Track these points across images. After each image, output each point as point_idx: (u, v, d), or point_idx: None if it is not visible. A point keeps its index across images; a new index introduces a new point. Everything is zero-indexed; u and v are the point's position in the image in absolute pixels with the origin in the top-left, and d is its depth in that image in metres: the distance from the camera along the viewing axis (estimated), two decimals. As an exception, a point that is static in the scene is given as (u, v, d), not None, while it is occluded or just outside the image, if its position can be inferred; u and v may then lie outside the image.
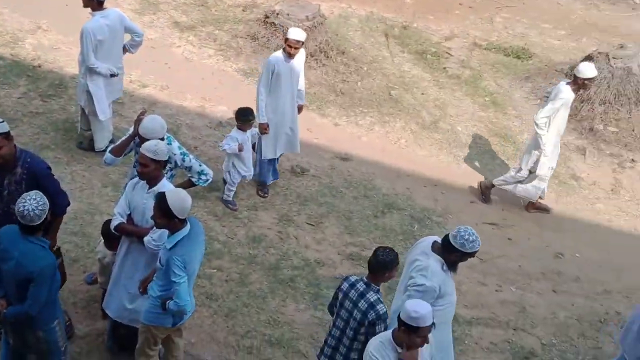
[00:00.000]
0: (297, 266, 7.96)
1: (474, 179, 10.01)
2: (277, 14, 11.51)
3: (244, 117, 8.35)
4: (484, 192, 9.62)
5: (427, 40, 12.56)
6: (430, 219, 9.09)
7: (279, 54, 8.44)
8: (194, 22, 11.92)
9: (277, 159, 8.97)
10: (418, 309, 4.96)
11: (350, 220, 8.79)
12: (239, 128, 8.38)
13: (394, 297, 6.25)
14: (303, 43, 8.39)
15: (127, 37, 8.65)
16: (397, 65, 11.84)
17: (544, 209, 9.64)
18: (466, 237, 5.60)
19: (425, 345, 5.11)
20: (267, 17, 11.65)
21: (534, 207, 9.61)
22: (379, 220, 8.87)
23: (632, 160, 10.67)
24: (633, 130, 10.98)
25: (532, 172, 9.24)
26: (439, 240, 5.83)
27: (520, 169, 9.29)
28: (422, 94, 11.34)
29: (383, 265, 5.54)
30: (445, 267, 5.74)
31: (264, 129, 8.51)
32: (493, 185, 9.58)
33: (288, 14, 11.40)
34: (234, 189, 8.58)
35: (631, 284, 8.66)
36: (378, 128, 10.59)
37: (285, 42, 8.36)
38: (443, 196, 9.57)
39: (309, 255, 8.14)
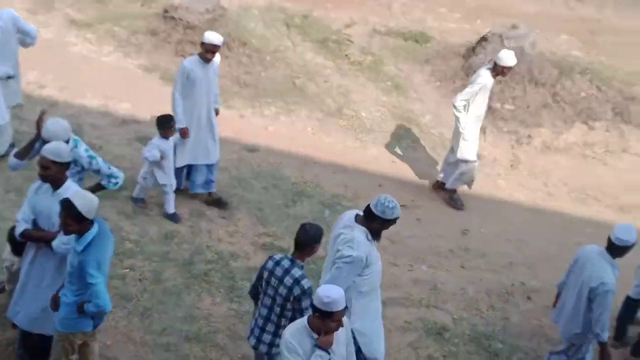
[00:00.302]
0: (211, 260, 7.95)
1: (381, 162, 10.23)
2: (177, 7, 11.41)
3: (165, 124, 8.14)
4: (452, 199, 9.65)
5: (328, 28, 12.68)
6: (341, 204, 9.22)
7: (195, 58, 8.25)
8: (90, 20, 11.67)
9: (197, 169, 8.63)
10: (330, 294, 5.00)
11: (262, 211, 8.84)
12: (162, 136, 8.18)
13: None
14: (220, 47, 8.23)
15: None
16: (299, 55, 11.93)
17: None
18: (386, 204, 5.80)
19: (341, 328, 5.18)
20: (166, 11, 11.53)
21: (439, 187, 9.86)
22: (290, 209, 8.96)
23: (529, 136, 11.09)
24: (528, 107, 11.41)
25: (459, 158, 9.34)
26: (361, 212, 5.98)
27: (467, 161, 9.39)
28: (326, 81, 11.47)
29: (313, 238, 5.67)
30: (369, 237, 5.90)
31: (184, 133, 8.31)
32: (454, 190, 9.63)
33: (187, 8, 11.32)
34: (146, 190, 8.47)
35: (533, 255, 9.03)
36: (284, 118, 10.67)
37: (202, 46, 8.16)
38: (352, 181, 9.73)
39: (222, 248, 8.15)
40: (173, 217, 8.41)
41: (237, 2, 12.82)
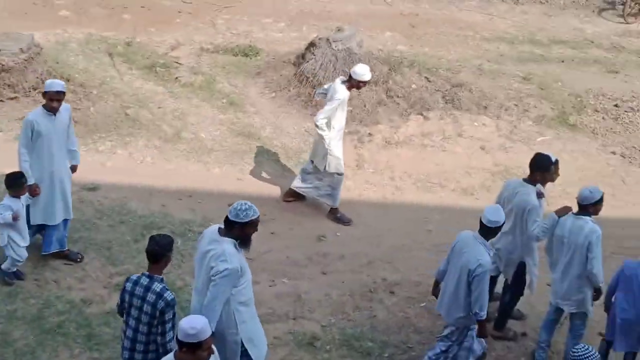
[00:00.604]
0: (62, 311, 7.53)
1: (227, 181, 10.09)
2: (-13, 51, 10.76)
3: (15, 182, 7.58)
4: (338, 218, 9.60)
5: (154, 53, 12.41)
6: (192, 230, 9.00)
7: (39, 110, 7.77)
8: None
9: (54, 227, 8.08)
10: (194, 324, 4.95)
11: (111, 250, 8.48)
12: (12, 195, 7.59)
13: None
14: (64, 93, 7.79)
15: None
16: (128, 84, 11.57)
17: (299, 198, 9.88)
18: (238, 207, 5.90)
19: (212, 356, 5.11)
20: (-24, 56, 10.84)
21: (289, 196, 9.82)
22: (140, 244, 8.60)
23: (369, 134, 11.27)
24: (365, 106, 11.60)
25: (329, 174, 9.35)
26: (222, 225, 6.03)
27: (338, 174, 9.38)
28: (159, 107, 11.19)
29: (166, 247, 5.75)
30: (237, 246, 5.94)
31: (33, 190, 7.76)
32: (336, 208, 9.57)
33: (0, 50, 10.70)
34: (22, 261, 7.83)
35: (389, 249, 9.17)
36: (121, 151, 10.31)
37: (44, 96, 7.71)
38: (200, 205, 9.53)
39: (73, 296, 7.74)
40: (16, 275, 7.88)
41: (53, 38, 12.30)
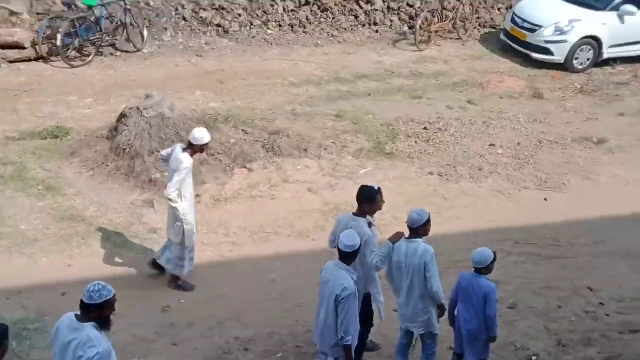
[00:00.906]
0: None
1: (57, 270, 9.60)
2: None
3: None
4: (179, 286, 9.37)
5: (-47, 151, 11.68)
6: (27, 329, 8.48)
7: None
8: None
9: None
10: None
11: (-62, 369, 7.78)
12: None
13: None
14: None
15: None
16: None
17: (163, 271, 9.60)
18: (91, 289, 5.76)
19: None
20: None
21: (153, 267, 9.58)
22: (-29, 354, 7.99)
23: (197, 195, 10.91)
24: (201, 164, 11.47)
25: (181, 244, 9.16)
26: (79, 312, 5.85)
27: (176, 246, 9.21)
28: (-30, 206, 10.52)
29: (0, 335, 5.49)
30: (99, 329, 5.77)
31: None
32: (177, 277, 9.37)
33: None
34: None
35: (238, 307, 9.07)
36: None
37: None
38: (31, 300, 8.99)
39: None
40: None
41: None
